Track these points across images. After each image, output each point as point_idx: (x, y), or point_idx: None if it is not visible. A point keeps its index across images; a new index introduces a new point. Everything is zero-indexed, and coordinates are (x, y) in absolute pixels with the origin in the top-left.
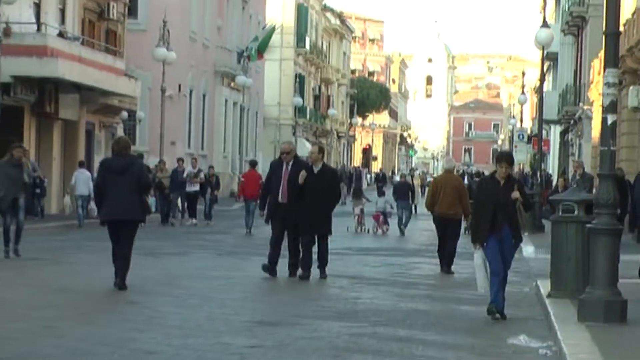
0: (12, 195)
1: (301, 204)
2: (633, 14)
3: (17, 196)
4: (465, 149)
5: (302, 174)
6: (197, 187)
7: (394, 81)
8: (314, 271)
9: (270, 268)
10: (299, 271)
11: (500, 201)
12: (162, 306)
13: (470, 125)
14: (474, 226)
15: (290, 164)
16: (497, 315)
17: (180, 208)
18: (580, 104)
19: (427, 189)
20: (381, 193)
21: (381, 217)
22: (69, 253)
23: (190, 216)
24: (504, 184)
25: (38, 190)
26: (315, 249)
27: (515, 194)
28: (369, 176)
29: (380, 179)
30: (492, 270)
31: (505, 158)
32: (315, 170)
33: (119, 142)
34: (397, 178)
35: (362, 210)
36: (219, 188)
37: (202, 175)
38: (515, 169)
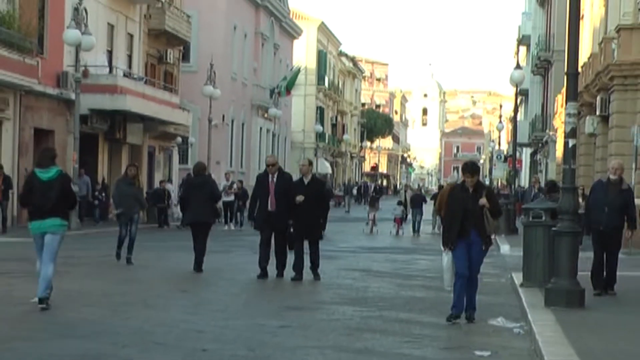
0: (131, 211)
1: (293, 213)
2: (589, 58)
3: (133, 211)
4: (453, 167)
5: (299, 198)
6: (231, 197)
7: (396, 112)
8: (307, 274)
9: (262, 273)
10: (291, 274)
11: (469, 207)
12: (209, 294)
13: (458, 148)
14: (444, 231)
15: (276, 175)
16: (457, 320)
17: None
18: (547, 131)
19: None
20: (398, 202)
21: (400, 221)
22: (134, 251)
23: (225, 222)
24: (473, 191)
25: (96, 202)
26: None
27: (482, 201)
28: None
29: (378, 192)
30: (457, 273)
31: (467, 169)
32: (306, 181)
33: (197, 166)
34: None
35: (375, 216)
36: (245, 198)
37: (235, 187)
38: (495, 183)
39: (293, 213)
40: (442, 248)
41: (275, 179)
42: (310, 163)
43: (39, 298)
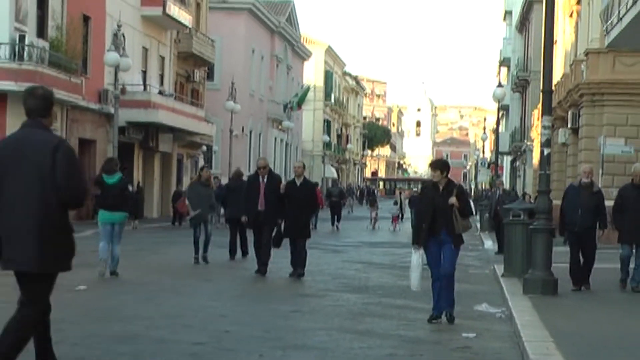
0: (206, 212)
1: (283, 212)
2: (562, 78)
3: (209, 212)
4: None
5: (283, 186)
6: None
7: (393, 124)
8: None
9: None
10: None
11: (439, 206)
12: (229, 282)
13: (447, 156)
14: (414, 228)
15: (266, 177)
16: (439, 320)
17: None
18: (525, 141)
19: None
20: (395, 203)
21: (397, 219)
22: (165, 246)
23: None
24: (444, 189)
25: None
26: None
27: (452, 200)
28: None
29: (370, 194)
30: (433, 276)
31: (438, 165)
32: (298, 183)
33: (235, 173)
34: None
35: (376, 214)
36: None
37: None
38: (479, 186)
39: (284, 212)
40: (412, 247)
41: (265, 181)
42: (304, 166)
43: (111, 271)
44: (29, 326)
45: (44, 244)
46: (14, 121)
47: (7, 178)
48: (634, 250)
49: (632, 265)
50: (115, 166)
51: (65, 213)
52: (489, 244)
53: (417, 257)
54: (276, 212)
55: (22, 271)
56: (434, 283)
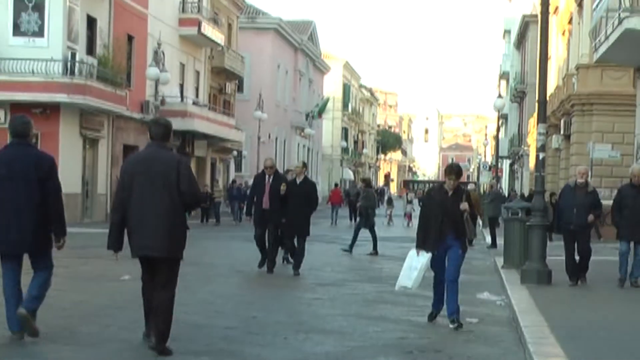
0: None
1: (284, 211)
2: (555, 89)
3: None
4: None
5: (283, 187)
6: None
7: (404, 131)
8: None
9: (262, 262)
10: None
11: (448, 210)
12: (256, 273)
13: (452, 159)
14: (419, 233)
15: (272, 177)
16: (436, 319)
17: (233, 212)
18: (522, 146)
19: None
20: (407, 202)
21: (410, 216)
22: (195, 241)
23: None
24: (452, 194)
25: None
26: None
27: (464, 205)
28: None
29: (379, 193)
30: (436, 279)
31: (453, 170)
32: (298, 181)
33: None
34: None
35: (391, 212)
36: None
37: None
38: (481, 187)
39: (284, 211)
40: (415, 250)
41: (271, 180)
42: (304, 165)
43: None
44: (172, 304)
45: (171, 235)
46: (67, 129)
47: (139, 185)
48: (632, 246)
49: (631, 262)
50: None
51: (184, 212)
52: (490, 238)
53: (426, 259)
54: (281, 211)
55: (155, 258)
56: (437, 286)
